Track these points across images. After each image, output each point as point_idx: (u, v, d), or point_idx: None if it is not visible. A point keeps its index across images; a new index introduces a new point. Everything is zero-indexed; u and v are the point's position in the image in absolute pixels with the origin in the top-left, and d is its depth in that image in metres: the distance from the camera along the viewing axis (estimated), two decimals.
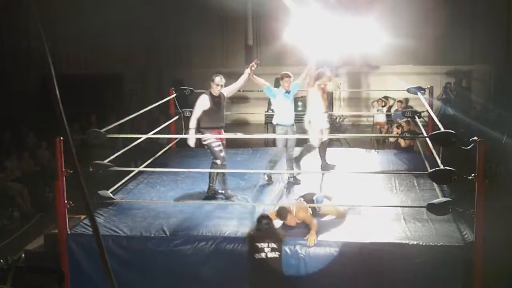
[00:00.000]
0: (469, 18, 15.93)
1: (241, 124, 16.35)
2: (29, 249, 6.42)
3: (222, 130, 7.08)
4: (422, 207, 6.16)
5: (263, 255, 5.24)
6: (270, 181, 7.57)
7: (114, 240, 5.83)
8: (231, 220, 6.17)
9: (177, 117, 9.15)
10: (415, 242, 5.50)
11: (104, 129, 6.48)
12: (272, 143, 11.15)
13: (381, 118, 14.14)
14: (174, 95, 9.04)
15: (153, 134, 8.16)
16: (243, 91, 9.08)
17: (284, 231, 5.63)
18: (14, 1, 14.38)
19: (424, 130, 8.43)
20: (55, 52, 15.67)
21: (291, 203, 6.18)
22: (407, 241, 5.54)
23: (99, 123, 11.97)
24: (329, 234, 5.72)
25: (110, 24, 14.14)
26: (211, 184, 7.10)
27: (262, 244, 5.27)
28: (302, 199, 6.20)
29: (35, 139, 12.06)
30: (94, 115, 13.48)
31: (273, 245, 5.28)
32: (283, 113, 7.48)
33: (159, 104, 8.79)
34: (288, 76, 7.45)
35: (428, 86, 9.17)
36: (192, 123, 6.88)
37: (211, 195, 7.01)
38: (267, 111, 13.21)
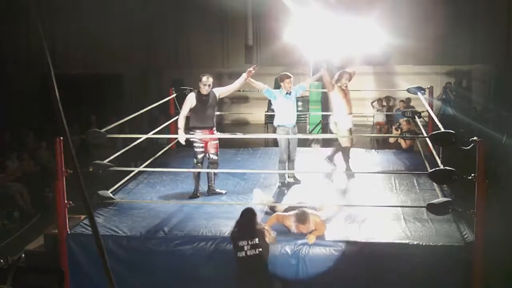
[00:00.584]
0: (469, 18, 15.90)
1: (241, 124, 16.35)
2: (29, 249, 6.40)
3: (214, 130, 7.09)
4: (422, 207, 6.16)
5: (243, 253, 5.18)
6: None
7: (114, 240, 5.83)
8: (231, 220, 6.13)
9: (177, 117, 9.13)
10: (415, 242, 5.50)
11: (104, 129, 6.48)
12: (272, 143, 11.16)
13: (381, 118, 14.14)
14: (174, 95, 9.03)
15: (153, 134, 8.16)
16: (243, 91, 9.08)
17: (268, 227, 5.49)
18: (14, 1, 14.37)
19: (424, 130, 8.43)
20: (55, 52, 15.70)
21: (311, 211, 5.76)
22: (407, 241, 5.54)
23: (99, 123, 11.97)
24: (329, 234, 5.71)
25: (110, 24, 14.15)
26: (210, 184, 7.13)
27: (242, 242, 5.20)
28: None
29: (35, 139, 12.05)
30: (94, 115, 13.48)
31: (253, 241, 5.17)
32: (285, 115, 7.38)
33: (159, 104, 8.79)
34: (288, 77, 7.34)
35: (428, 86, 9.15)
36: (180, 122, 7.00)
37: (200, 196, 7.05)
38: (267, 111, 13.21)
